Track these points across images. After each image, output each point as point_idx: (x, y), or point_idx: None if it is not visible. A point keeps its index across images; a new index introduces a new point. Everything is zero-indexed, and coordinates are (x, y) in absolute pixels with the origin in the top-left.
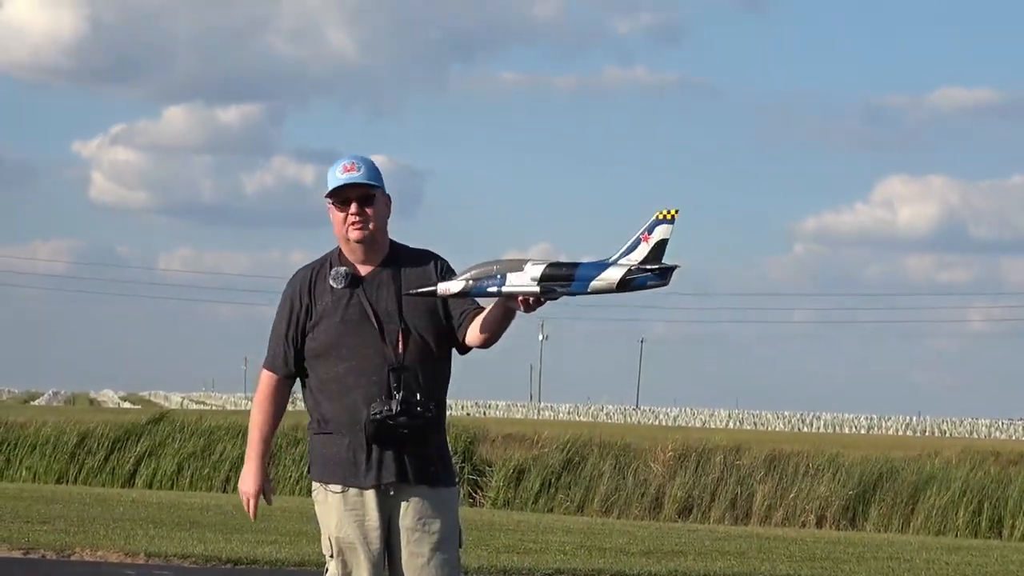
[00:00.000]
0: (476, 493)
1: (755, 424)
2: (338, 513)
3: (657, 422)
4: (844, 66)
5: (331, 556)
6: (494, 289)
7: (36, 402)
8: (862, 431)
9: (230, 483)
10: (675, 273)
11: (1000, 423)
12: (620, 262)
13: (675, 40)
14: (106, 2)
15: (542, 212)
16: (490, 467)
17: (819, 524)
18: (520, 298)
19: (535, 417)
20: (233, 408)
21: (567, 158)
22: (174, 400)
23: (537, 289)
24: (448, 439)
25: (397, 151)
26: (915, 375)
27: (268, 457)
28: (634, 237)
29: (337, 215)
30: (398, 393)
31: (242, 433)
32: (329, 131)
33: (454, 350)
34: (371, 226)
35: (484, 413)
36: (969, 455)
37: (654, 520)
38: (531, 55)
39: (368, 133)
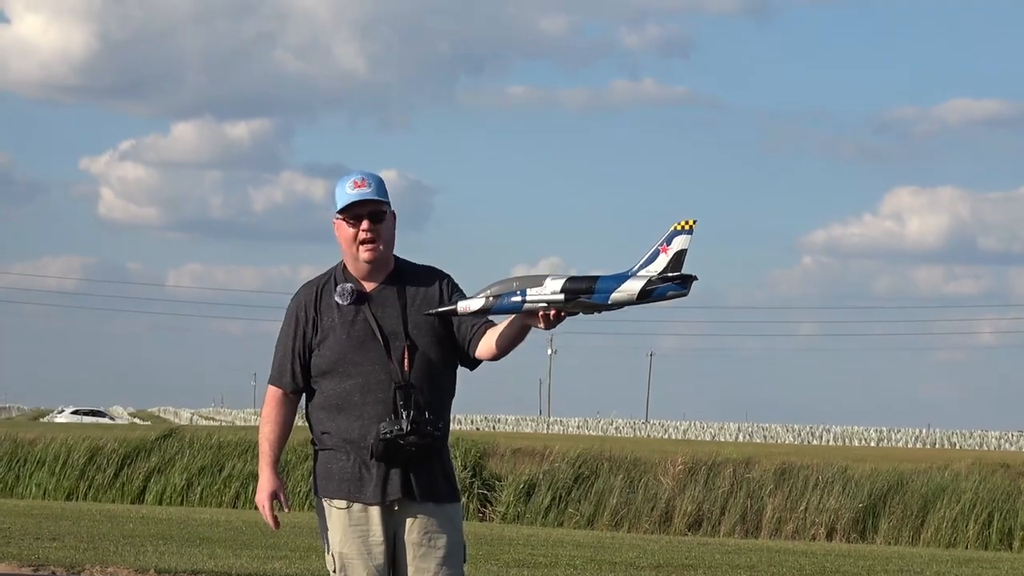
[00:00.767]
0: (486, 507)
1: (764, 437)
2: (342, 529)
3: (667, 436)
4: (852, 78)
5: (335, 571)
6: (517, 301)
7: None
8: (872, 444)
9: (240, 499)
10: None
11: (1010, 435)
12: (639, 274)
13: (683, 53)
14: (115, 19)
15: (551, 225)
16: (500, 481)
17: (829, 537)
18: (541, 314)
19: (544, 431)
20: (243, 424)
21: (576, 171)
22: (183, 416)
23: (562, 298)
24: (455, 454)
25: (406, 166)
26: (924, 387)
27: (279, 464)
28: (652, 249)
29: (347, 231)
30: (406, 411)
31: (251, 449)
32: (338, 146)
33: (462, 366)
34: (382, 245)
35: (493, 427)
36: (979, 467)
37: (664, 534)
38: (539, 69)
39: (377, 148)
